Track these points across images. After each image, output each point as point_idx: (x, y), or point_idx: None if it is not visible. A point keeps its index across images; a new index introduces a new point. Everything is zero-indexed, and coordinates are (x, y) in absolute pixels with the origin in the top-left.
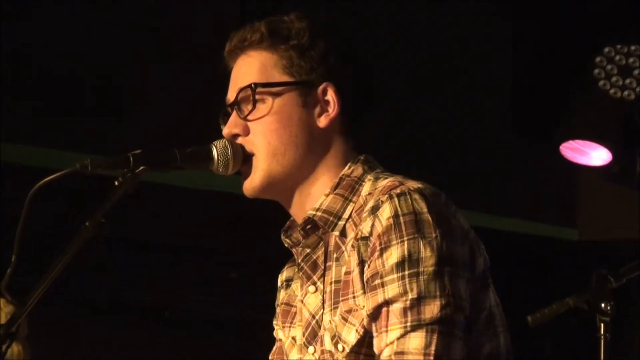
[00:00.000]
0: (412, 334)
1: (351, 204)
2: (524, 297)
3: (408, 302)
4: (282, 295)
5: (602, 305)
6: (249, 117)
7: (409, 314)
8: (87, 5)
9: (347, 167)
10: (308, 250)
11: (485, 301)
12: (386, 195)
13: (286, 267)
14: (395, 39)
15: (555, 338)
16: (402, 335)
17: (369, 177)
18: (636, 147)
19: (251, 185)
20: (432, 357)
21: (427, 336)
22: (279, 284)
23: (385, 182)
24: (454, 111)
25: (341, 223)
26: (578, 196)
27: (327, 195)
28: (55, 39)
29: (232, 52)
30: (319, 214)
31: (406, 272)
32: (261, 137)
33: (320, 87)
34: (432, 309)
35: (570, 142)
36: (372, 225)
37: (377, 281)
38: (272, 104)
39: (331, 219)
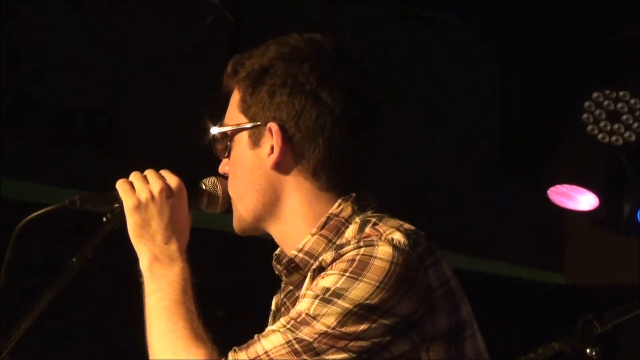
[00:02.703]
0: (278, 333)
1: (333, 247)
2: (510, 340)
3: (302, 315)
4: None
5: (588, 350)
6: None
7: (291, 322)
8: (78, 38)
9: (336, 205)
10: (291, 287)
11: (459, 356)
12: (359, 242)
13: (280, 290)
14: (383, 81)
15: None
16: (273, 331)
17: (356, 219)
18: (623, 192)
19: (233, 226)
20: (265, 356)
21: (282, 339)
22: (273, 307)
23: (366, 231)
24: (442, 153)
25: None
26: (565, 240)
27: (313, 235)
28: (44, 71)
29: (225, 87)
30: (300, 255)
31: (324, 297)
32: (230, 181)
33: (267, 127)
34: (310, 332)
35: (558, 186)
36: (333, 259)
37: (303, 295)
38: (229, 148)
39: (311, 261)
